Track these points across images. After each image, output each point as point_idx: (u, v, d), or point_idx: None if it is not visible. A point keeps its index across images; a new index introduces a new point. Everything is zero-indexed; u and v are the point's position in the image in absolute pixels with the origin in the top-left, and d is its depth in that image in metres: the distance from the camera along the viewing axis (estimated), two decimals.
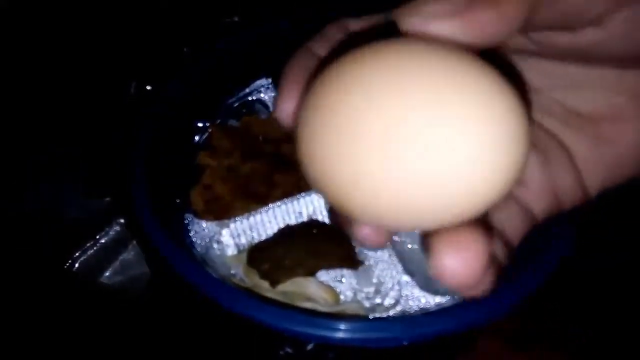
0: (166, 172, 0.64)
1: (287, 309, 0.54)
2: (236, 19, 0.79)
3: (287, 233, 0.65)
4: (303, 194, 0.66)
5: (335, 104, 0.25)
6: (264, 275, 0.61)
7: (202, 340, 0.63)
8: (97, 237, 0.69)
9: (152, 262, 0.67)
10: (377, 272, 0.62)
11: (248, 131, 0.72)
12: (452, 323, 0.49)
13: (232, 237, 0.65)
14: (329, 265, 0.62)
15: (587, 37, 0.27)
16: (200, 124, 0.72)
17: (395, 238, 0.63)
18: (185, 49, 0.76)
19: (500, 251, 0.30)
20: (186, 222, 0.65)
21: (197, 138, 0.72)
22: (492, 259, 0.28)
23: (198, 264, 0.56)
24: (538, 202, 0.32)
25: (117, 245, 0.70)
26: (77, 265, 0.68)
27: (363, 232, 0.29)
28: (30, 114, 0.74)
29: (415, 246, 0.63)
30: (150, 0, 0.78)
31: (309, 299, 0.60)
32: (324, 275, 0.62)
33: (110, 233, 0.70)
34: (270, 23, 0.73)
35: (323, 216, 0.66)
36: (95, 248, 0.69)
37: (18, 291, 0.65)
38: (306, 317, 0.49)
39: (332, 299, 0.61)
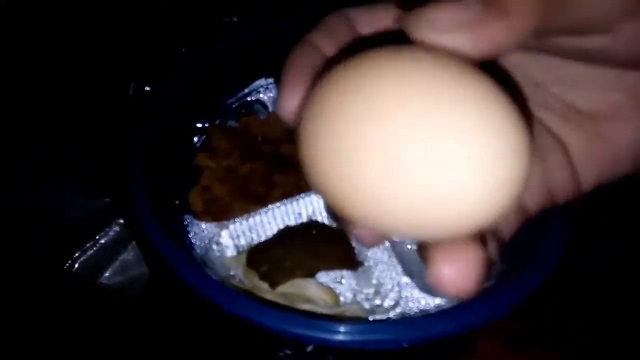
0: (166, 173, 0.64)
1: (287, 311, 0.54)
2: (235, 19, 0.78)
3: (286, 234, 0.64)
4: (302, 194, 0.65)
5: (337, 110, 0.25)
6: (263, 277, 0.61)
7: (202, 340, 0.62)
8: (97, 237, 0.69)
9: (151, 263, 0.67)
10: (376, 273, 0.62)
11: (247, 132, 0.72)
12: (451, 325, 0.49)
13: (231, 239, 0.64)
14: (329, 267, 0.62)
15: (594, 41, 0.27)
16: (199, 125, 0.72)
17: (395, 238, 0.62)
18: (183, 49, 0.75)
19: (492, 248, 0.30)
20: (185, 223, 0.65)
21: (196, 139, 0.71)
22: (486, 261, 0.28)
23: (198, 266, 0.56)
24: (532, 197, 0.32)
25: (117, 245, 0.69)
26: (77, 265, 0.68)
27: (360, 232, 0.29)
28: (30, 114, 0.74)
29: (415, 247, 0.62)
30: (150, 0, 0.78)
31: (308, 300, 0.60)
32: (323, 277, 0.62)
33: (110, 233, 0.69)
34: (270, 23, 0.73)
35: (322, 217, 0.66)
36: (95, 248, 0.69)
37: (18, 291, 0.64)
38: (306, 319, 0.48)
39: (331, 301, 0.60)
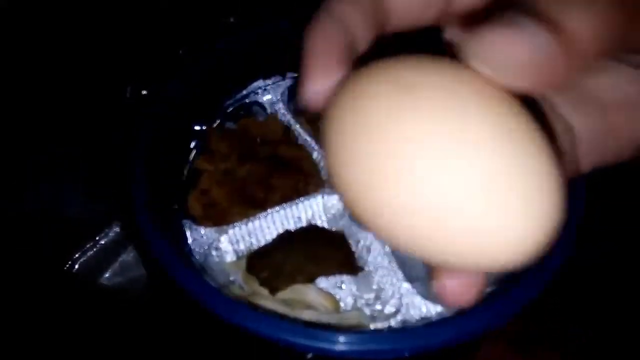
0: (164, 177, 0.63)
1: (286, 320, 0.53)
2: (232, 19, 0.77)
3: (286, 238, 0.63)
4: (302, 198, 0.64)
5: (370, 123, 0.24)
6: (263, 283, 0.59)
7: (202, 341, 0.62)
8: (97, 238, 0.68)
9: (148, 265, 0.66)
10: (377, 278, 0.60)
11: (246, 133, 0.70)
12: (453, 334, 0.48)
13: (230, 244, 0.62)
14: (329, 272, 0.60)
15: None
16: (197, 128, 0.70)
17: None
18: (180, 51, 0.74)
19: None
20: (184, 228, 0.63)
21: (195, 142, 0.70)
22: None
23: (197, 274, 0.54)
24: None
25: (117, 246, 0.69)
26: (77, 266, 0.67)
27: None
28: (30, 114, 0.72)
29: None
30: (150, 1, 0.76)
31: (309, 306, 0.58)
32: (323, 282, 0.60)
33: (110, 234, 0.69)
34: (268, 24, 0.71)
35: (322, 221, 0.64)
36: (95, 249, 0.68)
37: (18, 291, 0.63)
38: (305, 329, 0.47)
39: (332, 306, 0.59)
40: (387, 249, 0.59)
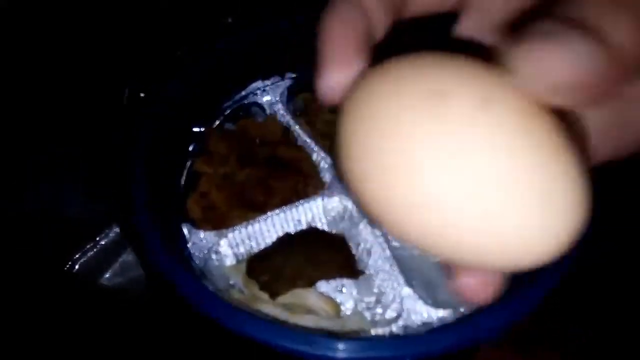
0: (164, 180, 0.62)
1: (286, 327, 0.52)
2: (230, 20, 0.76)
3: (286, 241, 0.62)
4: (302, 201, 0.63)
5: (392, 122, 0.23)
6: (263, 287, 0.58)
7: (202, 342, 0.61)
8: (97, 238, 0.67)
9: (147, 267, 0.65)
10: (377, 281, 0.59)
11: (245, 134, 0.69)
12: (454, 340, 0.47)
13: (230, 247, 0.61)
14: (329, 275, 0.59)
15: None
16: (196, 129, 0.69)
17: (396, 244, 0.60)
18: (179, 52, 0.73)
19: None
20: (184, 232, 0.62)
21: (194, 144, 0.69)
22: None
23: (196, 280, 0.53)
24: None
25: (117, 247, 0.68)
26: (77, 266, 0.66)
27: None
28: (30, 114, 0.72)
29: (415, 252, 0.60)
30: (150, 1, 0.76)
31: (309, 310, 0.57)
32: (324, 285, 0.59)
33: (110, 235, 0.68)
34: (268, 24, 0.70)
35: (322, 223, 0.63)
36: (95, 250, 0.67)
37: (18, 291, 0.63)
38: (305, 335, 0.47)
39: (332, 311, 0.58)
40: (388, 252, 0.58)
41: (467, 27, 0.30)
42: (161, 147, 0.61)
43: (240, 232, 0.61)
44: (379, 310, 0.58)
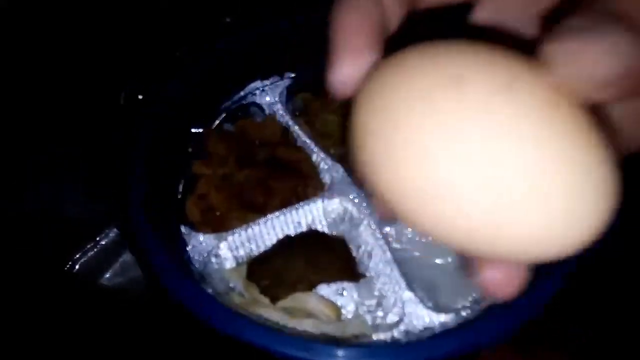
0: (163, 181, 0.62)
1: (285, 333, 0.52)
2: (228, 19, 0.75)
3: (286, 244, 0.61)
4: (302, 203, 0.62)
5: (409, 111, 0.23)
6: (263, 291, 0.57)
7: (201, 342, 0.60)
8: (97, 238, 0.66)
9: (145, 267, 0.63)
10: (378, 285, 0.58)
11: (244, 135, 0.68)
12: (455, 346, 0.46)
13: (230, 250, 0.60)
14: (330, 279, 0.58)
15: None
16: (195, 130, 0.68)
17: (396, 245, 0.60)
18: (177, 53, 0.72)
19: None
20: (183, 235, 0.61)
21: (192, 145, 0.68)
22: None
23: (194, 284, 0.52)
24: None
25: (117, 246, 0.67)
26: (77, 266, 0.65)
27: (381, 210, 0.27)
28: (30, 114, 0.71)
29: (417, 254, 0.60)
30: (150, 1, 0.75)
31: (310, 314, 0.56)
32: (324, 288, 0.58)
33: (110, 235, 0.67)
34: (266, 24, 0.69)
35: (322, 225, 0.62)
36: (95, 250, 0.66)
37: (18, 291, 0.62)
38: (304, 342, 0.46)
39: (333, 314, 0.57)
40: (389, 255, 0.57)
41: (482, 17, 0.29)
42: (160, 148, 0.61)
43: (240, 235, 0.60)
44: (380, 313, 0.57)
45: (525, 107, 0.22)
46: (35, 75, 0.72)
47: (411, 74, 0.23)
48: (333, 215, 0.62)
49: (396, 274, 0.56)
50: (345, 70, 0.25)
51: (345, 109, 0.66)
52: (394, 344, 0.53)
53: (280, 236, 0.61)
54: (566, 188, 0.22)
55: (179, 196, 0.64)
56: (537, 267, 0.47)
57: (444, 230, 0.23)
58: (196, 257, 0.60)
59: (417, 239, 0.60)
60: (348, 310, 0.57)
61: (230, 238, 0.60)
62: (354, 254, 0.60)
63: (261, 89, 0.71)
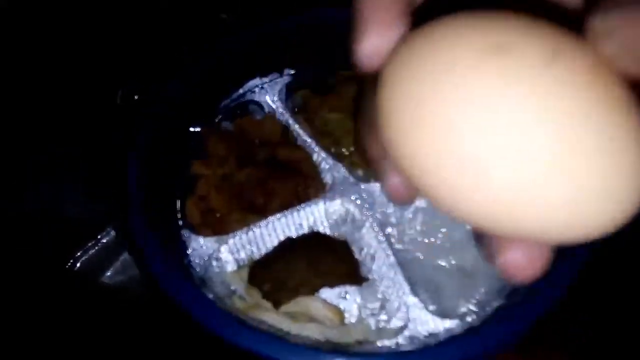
0: (162, 182, 0.60)
1: (286, 340, 0.49)
2: (225, 16, 0.73)
3: (288, 246, 0.59)
4: (303, 205, 0.60)
5: (443, 84, 0.21)
6: (266, 296, 0.56)
7: (202, 341, 0.58)
8: (99, 237, 0.65)
9: (143, 268, 0.63)
10: (381, 288, 0.56)
11: (243, 134, 0.66)
12: (460, 354, 0.45)
13: (231, 254, 0.59)
14: (332, 283, 0.57)
15: None
16: (194, 129, 0.66)
17: (399, 246, 0.58)
18: (176, 53, 0.71)
19: None
20: (184, 239, 0.60)
21: (191, 145, 0.66)
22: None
23: (195, 290, 0.51)
24: None
25: (118, 245, 0.65)
26: (78, 265, 0.64)
27: (393, 185, 0.26)
28: (30, 114, 0.70)
29: (419, 254, 0.58)
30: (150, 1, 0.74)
31: (312, 319, 0.54)
32: (327, 292, 0.57)
33: (112, 233, 0.65)
34: (265, 22, 0.67)
35: (324, 227, 0.60)
36: (96, 248, 0.65)
37: (18, 291, 0.61)
38: (304, 350, 0.46)
39: (336, 318, 0.55)
40: (392, 259, 0.55)
41: None
42: (159, 148, 0.59)
43: (240, 238, 0.58)
44: (383, 317, 0.55)
45: (565, 80, 0.20)
46: (35, 75, 0.70)
47: (438, 46, 0.22)
48: (335, 217, 0.60)
49: (400, 277, 0.54)
50: (372, 43, 0.23)
51: (352, 106, 0.63)
52: (395, 352, 0.51)
53: (282, 238, 0.59)
54: (598, 167, 0.20)
55: (179, 197, 0.62)
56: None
57: (465, 206, 0.22)
58: (197, 261, 0.58)
59: (419, 239, 0.59)
60: (351, 314, 0.56)
61: (231, 241, 0.58)
62: (357, 256, 0.58)
63: (260, 86, 0.68)
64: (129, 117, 0.66)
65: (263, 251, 0.59)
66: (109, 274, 0.65)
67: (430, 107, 0.21)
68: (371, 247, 0.57)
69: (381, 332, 0.54)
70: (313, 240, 0.59)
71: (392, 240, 0.58)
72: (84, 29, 0.71)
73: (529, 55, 0.21)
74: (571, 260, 0.48)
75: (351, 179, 0.60)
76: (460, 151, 0.21)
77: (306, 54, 0.67)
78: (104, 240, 0.64)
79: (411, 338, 0.52)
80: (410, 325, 0.52)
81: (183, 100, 0.63)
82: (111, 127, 0.67)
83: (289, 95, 0.68)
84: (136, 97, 0.69)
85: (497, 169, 0.21)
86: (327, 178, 0.62)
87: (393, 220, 0.59)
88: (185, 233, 0.59)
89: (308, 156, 0.63)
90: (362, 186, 0.59)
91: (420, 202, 0.59)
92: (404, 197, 0.26)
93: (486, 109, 0.20)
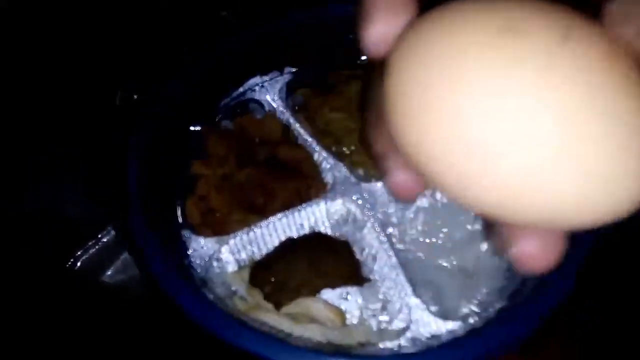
0: (161, 182, 0.59)
1: (286, 342, 0.49)
2: (225, 13, 0.72)
3: (289, 246, 0.58)
4: (304, 205, 0.59)
5: (453, 70, 0.21)
6: (267, 297, 0.55)
7: (202, 341, 0.56)
8: (99, 236, 0.64)
9: (142, 268, 0.62)
10: (383, 289, 0.55)
11: (243, 133, 0.65)
12: (460, 358, 0.45)
13: (232, 254, 0.58)
14: (334, 284, 0.56)
15: None
16: (194, 129, 0.66)
17: (400, 246, 0.57)
18: (175, 55, 0.70)
19: None
20: (184, 239, 0.59)
21: (192, 145, 0.65)
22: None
23: (195, 291, 0.51)
24: None
25: (119, 244, 0.64)
26: (79, 263, 0.63)
27: (397, 180, 0.26)
28: (30, 114, 0.69)
29: (420, 254, 0.58)
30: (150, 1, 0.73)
31: (314, 320, 0.54)
32: (328, 292, 0.56)
33: (112, 232, 0.64)
34: (264, 19, 0.66)
35: (325, 227, 0.59)
36: (97, 247, 0.64)
37: (18, 291, 0.61)
38: (305, 352, 0.45)
39: (338, 319, 0.54)
40: (394, 260, 0.55)
41: None
42: (159, 148, 0.58)
43: (241, 239, 0.57)
44: (385, 318, 0.54)
45: (576, 64, 0.20)
46: (35, 76, 0.69)
47: (445, 31, 0.22)
48: (336, 217, 0.59)
49: (402, 278, 0.54)
50: (378, 30, 0.23)
51: (353, 106, 0.63)
52: (402, 355, 0.50)
53: (283, 238, 0.58)
54: (607, 152, 0.20)
55: (179, 197, 0.61)
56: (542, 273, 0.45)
57: (473, 192, 0.22)
58: (197, 262, 0.57)
59: (420, 239, 0.58)
60: (352, 315, 0.55)
61: (231, 241, 0.57)
62: (358, 256, 0.57)
63: (261, 84, 0.67)
64: (129, 117, 0.66)
65: (264, 252, 0.58)
66: (109, 273, 0.65)
67: (438, 92, 0.21)
68: (373, 247, 0.56)
69: (383, 333, 0.53)
70: (314, 241, 0.58)
71: (394, 240, 0.57)
72: (83, 29, 0.70)
73: (538, 38, 0.20)
74: (573, 261, 0.47)
75: (352, 179, 0.59)
76: (467, 136, 0.21)
77: (307, 52, 0.67)
78: (105, 240, 0.64)
79: (413, 340, 0.51)
80: (413, 327, 0.52)
81: (183, 100, 0.62)
82: (111, 127, 0.66)
83: (289, 93, 0.67)
84: (136, 97, 0.68)
85: (505, 154, 0.20)
86: (328, 178, 0.61)
87: (394, 220, 0.58)
88: (185, 233, 0.58)
89: (309, 155, 0.62)
90: (364, 186, 0.59)
91: (421, 202, 0.58)
92: (407, 194, 0.26)
93: (494, 94, 0.20)
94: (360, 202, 0.58)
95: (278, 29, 0.65)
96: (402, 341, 0.51)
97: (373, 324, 0.54)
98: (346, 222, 0.59)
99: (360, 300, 0.55)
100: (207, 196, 0.60)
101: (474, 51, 0.21)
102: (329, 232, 0.59)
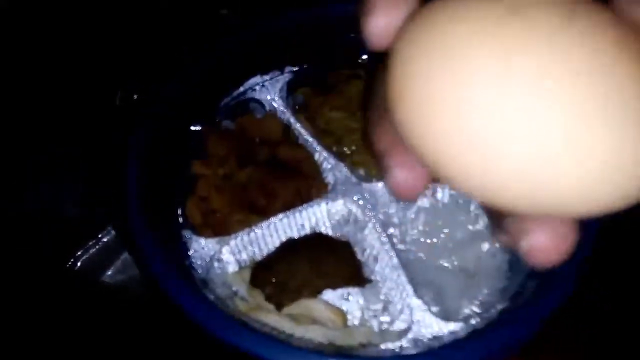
0: (161, 182, 0.58)
1: (286, 344, 0.48)
2: (225, 11, 0.72)
3: (290, 247, 0.57)
4: (305, 205, 0.58)
5: (458, 58, 0.20)
6: (268, 298, 0.54)
7: (202, 342, 0.55)
8: (99, 236, 0.64)
9: (142, 268, 0.62)
10: (384, 289, 0.55)
11: (244, 133, 0.64)
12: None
13: (232, 255, 0.57)
14: (335, 285, 0.55)
15: None
16: (194, 128, 0.65)
17: (401, 246, 0.57)
18: (175, 55, 0.70)
19: None
20: (184, 240, 0.58)
21: (192, 145, 0.64)
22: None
23: (195, 292, 0.50)
24: None
25: (119, 244, 0.64)
26: (79, 264, 0.63)
27: (398, 179, 0.25)
28: (30, 114, 0.69)
29: (421, 255, 0.57)
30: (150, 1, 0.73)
31: (315, 321, 0.53)
32: (329, 293, 0.55)
33: (112, 232, 0.64)
34: (264, 17, 0.66)
35: (326, 227, 0.59)
36: (97, 247, 0.64)
37: (18, 291, 0.61)
38: (305, 353, 0.45)
39: (339, 320, 0.54)
40: (395, 260, 0.54)
41: None
42: (158, 148, 0.58)
43: (242, 239, 0.57)
44: (386, 319, 0.54)
45: (583, 49, 0.20)
46: (35, 76, 0.69)
47: (446, 21, 0.21)
48: (337, 217, 0.58)
49: (403, 279, 0.53)
50: (380, 21, 0.23)
51: (354, 105, 0.62)
52: (404, 356, 0.50)
53: (284, 239, 0.58)
54: (615, 139, 0.19)
55: (179, 198, 0.61)
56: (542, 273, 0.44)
57: (477, 182, 0.21)
58: (198, 262, 0.57)
59: (421, 240, 0.57)
60: (354, 316, 0.55)
61: (232, 242, 0.57)
62: (359, 257, 0.57)
63: (261, 84, 0.67)
64: (129, 117, 0.65)
65: (265, 252, 0.58)
66: (109, 273, 0.64)
67: (440, 83, 0.21)
68: (374, 248, 0.56)
69: (384, 334, 0.52)
70: (315, 241, 0.58)
71: (395, 240, 0.57)
72: (83, 29, 0.70)
73: (540, 23, 0.20)
74: (574, 263, 0.47)
75: (353, 179, 0.59)
76: (470, 126, 0.20)
77: (307, 51, 0.66)
78: (105, 239, 0.63)
79: (415, 341, 0.51)
80: (414, 328, 0.51)
81: (183, 100, 0.62)
82: (111, 127, 0.66)
83: (290, 93, 0.67)
84: (135, 97, 0.67)
85: (508, 143, 0.20)
86: (329, 178, 0.60)
87: (395, 220, 0.58)
88: (186, 234, 0.58)
89: (309, 155, 0.62)
90: (365, 186, 0.58)
91: (422, 202, 0.58)
92: (408, 193, 0.25)
93: (496, 84, 0.20)
94: (361, 202, 0.57)
95: (278, 28, 0.65)
96: (404, 342, 0.51)
97: (374, 324, 0.54)
98: (347, 222, 0.58)
99: (361, 301, 0.55)
100: (208, 196, 0.60)
101: (475, 41, 0.20)
102: (330, 232, 0.59)
